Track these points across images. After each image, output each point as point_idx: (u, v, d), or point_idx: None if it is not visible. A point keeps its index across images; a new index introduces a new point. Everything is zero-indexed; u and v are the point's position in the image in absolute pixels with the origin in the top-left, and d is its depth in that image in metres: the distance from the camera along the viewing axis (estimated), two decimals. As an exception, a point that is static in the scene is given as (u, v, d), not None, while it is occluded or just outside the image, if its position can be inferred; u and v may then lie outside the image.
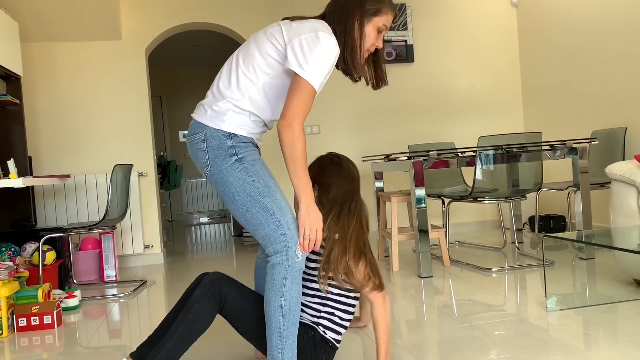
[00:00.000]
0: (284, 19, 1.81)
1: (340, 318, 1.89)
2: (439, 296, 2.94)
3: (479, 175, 3.48)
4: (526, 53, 5.34)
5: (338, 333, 1.89)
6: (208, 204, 9.33)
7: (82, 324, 2.92)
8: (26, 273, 3.24)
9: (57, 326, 2.87)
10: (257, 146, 1.83)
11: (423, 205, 3.40)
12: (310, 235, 1.69)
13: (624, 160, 3.99)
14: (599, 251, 3.63)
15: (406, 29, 5.14)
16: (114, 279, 4.10)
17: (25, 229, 3.82)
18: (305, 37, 1.67)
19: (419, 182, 3.40)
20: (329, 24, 1.77)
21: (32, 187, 4.27)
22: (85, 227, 3.54)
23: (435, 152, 3.44)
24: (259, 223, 1.69)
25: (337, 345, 1.90)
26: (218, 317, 1.84)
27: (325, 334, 1.86)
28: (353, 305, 1.91)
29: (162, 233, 4.96)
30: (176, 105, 9.20)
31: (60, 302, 3.15)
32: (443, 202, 4.15)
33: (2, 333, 2.74)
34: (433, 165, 3.49)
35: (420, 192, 3.40)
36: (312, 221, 1.68)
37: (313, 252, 1.88)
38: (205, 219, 9.05)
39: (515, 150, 3.50)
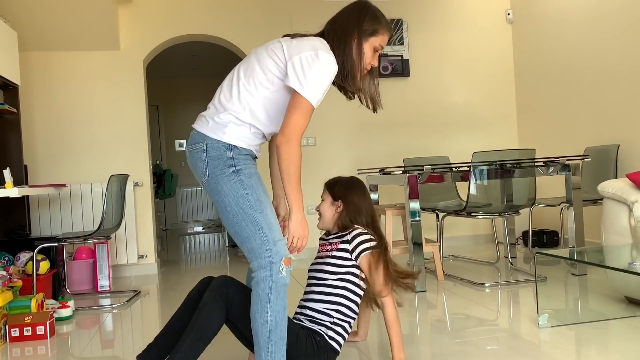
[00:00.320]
0: (284, 35, 1.86)
1: (349, 324, 2.05)
2: (432, 310, 2.95)
3: (473, 190, 3.51)
4: (521, 69, 5.40)
5: (343, 338, 2.02)
6: (203, 213, 9.32)
7: (75, 335, 2.91)
8: (19, 283, 3.23)
9: (50, 337, 2.86)
10: (255, 157, 1.87)
11: (417, 218, 3.43)
12: (297, 243, 1.78)
13: (616, 177, 4.04)
14: (591, 267, 3.65)
15: (402, 43, 5.19)
16: (108, 289, 4.09)
17: (20, 238, 3.81)
18: (305, 55, 1.72)
19: (413, 196, 3.42)
20: (328, 42, 1.82)
21: (27, 196, 4.27)
22: (79, 237, 3.54)
23: (429, 166, 3.47)
24: (246, 236, 1.72)
25: (339, 349, 2.01)
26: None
27: (332, 339, 1.98)
28: (357, 313, 2.09)
29: (156, 243, 4.96)
30: (173, 114, 9.22)
31: (54, 312, 3.14)
32: (437, 216, 4.18)
33: (-6, 343, 2.73)
34: (427, 180, 3.52)
35: (415, 205, 3.42)
36: (302, 231, 1.77)
37: (331, 257, 2.06)
38: (199, 229, 9.04)
39: (508, 166, 3.53)
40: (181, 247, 6.73)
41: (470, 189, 3.50)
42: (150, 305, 3.53)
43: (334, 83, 1.88)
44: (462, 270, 4.01)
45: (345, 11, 1.89)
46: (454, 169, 3.64)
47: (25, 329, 2.81)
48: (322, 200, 2.22)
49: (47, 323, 2.84)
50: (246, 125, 1.78)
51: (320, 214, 2.22)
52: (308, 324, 2.01)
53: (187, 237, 7.93)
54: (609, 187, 2.86)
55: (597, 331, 2.41)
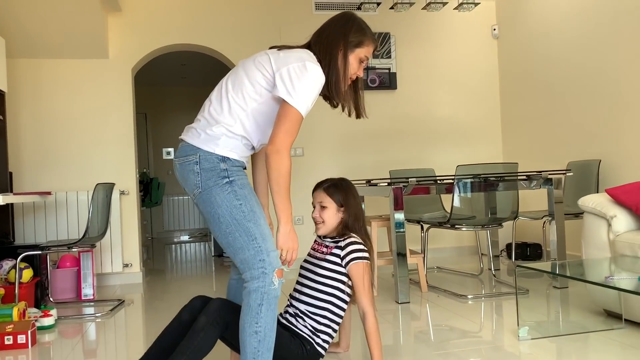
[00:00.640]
0: (271, 47, 1.89)
1: (333, 330, 2.13)
2: (415, 322, 2.97)
3: (456, 203, 3.56)
4: (506, 84, 5.48)
5: (328, 343, 2.12)
6: (189, 222, 9.29)
7: (57, 344, 2.89)
8: (2, 291, 3.21)
9: (32, 346, 2.84)
10: (245, 168, 1.89)
11: (402, 230, 3.46)
12: (287, 256, 1.78)
13: (597, 191, 4.11)
14: (573, 281, 3.70)
15: (390, 57, 5.25)
16: (92, 297, 4.06)
17: (3, 246, 3.79)
18: (293, 66, 1.75)
19: (398, 207, 3.46)
20: (314, 53, 1.85)
21: (12, 203, 4.24)
22: (64, 245, 3.52)
23: (414, 179, 3.51)
24: (239, 247, 1.73)
25: (324, 353, 2.11)
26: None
27: (319, 345, 2.06)
28: (342, 318, 2.16)
29: (141, 252, 4.94)
30: (161, 122, 9.20)
31: (36, 321, 3.12)
32: (422, 228, 4.22)
33: (-25, 352, 2.71)
34: (412, 192, 3.55)
35: (400, 217, 3.45)
36: (291, 243, 1.77)
37: (324, 260, 2.11)
38: (186, 238, 9.00)
39: (492, 179, 3.58)
40: (167, 256, 6.70)
41: (454, 201, 3.55)
42: (134, 314, 3.52)
43: (320, 93, 1.91)
44: (446, 281, 4.04)
45: (331, 23, 1.92)
46: (439, 182, 3.68)
47: (6, 337, 2.79)
48: (324, 208, 2.17)
49: (29, 332, 2.82)
50: (238, 137, 1.81)
51: (322, 222, 2.18)
52: (298, 326, 2.08)
53: (173, 246, 7.89)
54: (589, 201, 2.92)
55: (576, 344, 2.44)
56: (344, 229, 2.19)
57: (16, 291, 3.28)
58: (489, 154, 5.52)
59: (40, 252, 3.49)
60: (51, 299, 3.97)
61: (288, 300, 2.21)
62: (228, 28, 4.98)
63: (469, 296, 3.49)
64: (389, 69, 5.25)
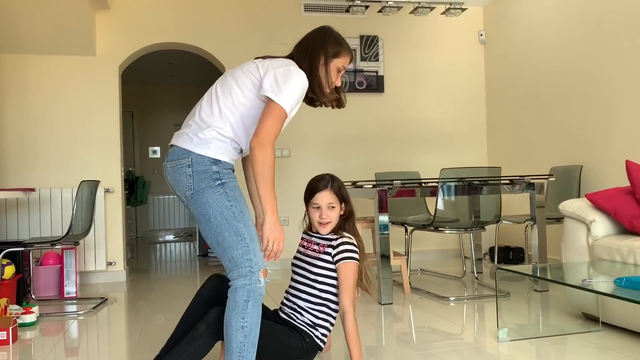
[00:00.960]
0: (256, 58, 2.04)
1: (330, 324, 2.19)
2: (398, 323, 3.00)
3: (440, 206, 3.60)
4: (492, 89, 5.55)
5: (326, 335, 2.18)
6: (174, 221, 9.25)
7: (38, 341, 2.88)
8: (-17, 287, 3.18)
9: (12, 342, 2.82)
10: (233, 170, 1.97)
11: (386, 232, 3.49)
12: (273, 247, 1.84)
13: (579, 196, 4.17)
14: (553, 284, 3.76)
15: (377, 60, 5.29)
16: (75, 295, 4.04)
17: (-15, 242, 3.75)
18: (279, 70, 1.89)
19: (383, 210, 3.49)
20: (297, 63, 1.99)
21: (-5, 199, 4.21)
22: (47, 242, 3.50)
23: (399, 181, 3.54)
24: (228, 246, 1.80)
25: (322, 347, 2.18)
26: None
27: (318, 338, 2.13)
28: (336, 313, 2.21)
29: (125, 250, 4.92)
30: (147, 120, 9.16)
31: (17, 318, 3.10)
32: (406, 230, 4.25)
33: (-46, 348, 2.69)
34: (397, 194, 3.59)
35: (384, 219, 3.49)
36: (277, 234, 1.83)
37: (317, 259, 2.15)
38: (171, 237, 8.97)
39: (475, 183, 3.63)
40: (151, 255, 6.68)
41: (437, 204, 3.59)
42: (117, 313, 3.51)
43: (304, 100, 2.04)
44: (429, 284, 4.08)
45: (310, 36, 2.07)
46: (423, 185, 3.72)
47: (-13, 334, 2.77)
48: (332, 208, 2.19)
49: (10, 329, 2.80)
50: (228, 140, 1.90)
51: (329, 222, 2.19)
52: (296, 322, 2.14)
53: (158, 245, 7.86)
54: (569, 206, 2.97)
55: (554, 345, 2.49)
56: (339, 227, 2.23)
57: (-3, 288, 3.25)
58: (474, 158, 5.57)
59: (23, 248, 3.47)
60: (33, 297, 3.95)
61: (285, 296, 2.26)
62: (217, 28, 4.99)
63: (451, 298, 3.53)
64: (377, 72, 5.29)
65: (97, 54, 4.68)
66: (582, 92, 4.32)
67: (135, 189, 8.16)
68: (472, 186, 3.63)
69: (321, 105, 2.11)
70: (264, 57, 2.00)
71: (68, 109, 4.61)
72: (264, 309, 2.15)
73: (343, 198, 2.24)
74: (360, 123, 5.29)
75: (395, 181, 3.54)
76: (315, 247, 2.23)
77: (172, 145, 1.97)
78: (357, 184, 3.82)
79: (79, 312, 3.51)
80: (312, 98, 2.07)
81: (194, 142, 1.87)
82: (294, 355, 2.08)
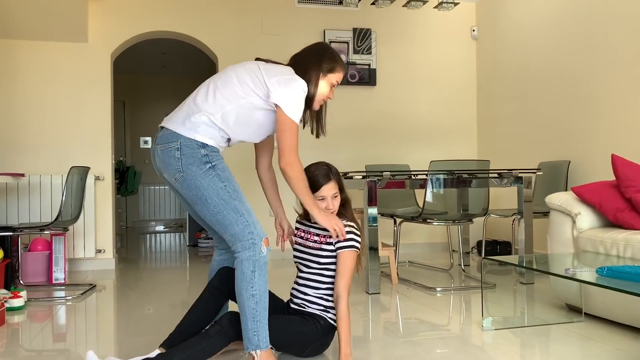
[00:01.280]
0: (257, 59, 2.14)
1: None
2: (385, 313, 3.03)
3: (429, 199, 3.63)
4: (483, 84, 5.58)
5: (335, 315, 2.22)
6: (165, 212, 9.24)
7: (25, 326, 2.88)
8: (-29, 271, 3.18)
9: (0, 326, 2.82)
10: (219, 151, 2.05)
11: (375, 224, 3.52)
12: (338, 231, 2.08)
13: (565, 191, 4.22)
14: (538, 277, 3.81)
15: (370, 53, 5.30)
16: (63, 281, 4.04)
17: (-27, 227, 3.74)
18: (285, 77, 2.00)
19: (372, 203, 3.51)
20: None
21: (-16, 184, 4.19)
22: (36, 228, 3.50)
23: (388, 172, 3.57)
24: (229, 223, 1.92)
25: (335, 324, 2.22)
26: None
27: (331, 319, 2.20)
28: None
29: (115, 238, 4.92)
30: (139, 111, 9.13)
31: (5, 302, 3.10)
32: (395, 222, 4.28)
33: (-59, 330, 2.68)
34: (386, 186, 3.62)
35: (373, 212, 3.51)
36: (334, 221, 2.08)
37: (320, 249, 2.20)
38: (161, 228, 8.96)
39: (464, 176, 3.66)
40: (141, 245, 6.68)
41: (426, 196, 3.62)
42: (105, 299, 3.51)
43: None
44: (417, 275, 4.12)
45: (308, 50, 2.18)
46: (412, 177, 3.75)
47: (-26, 317, 2.77)
48: (335, 197, 2.22)
49: (-2, 312, 2.81)
50: (216, 127, 1.98)
51: (333, 211, 2.21)
52: (309, 309, 2.21)
53: (148, 235, 7.85)
54: (555, 199, 3.01)
55: (537, 335, 2.53)
56: (338, 214, 2.25)
57: (-15, 272, 3.25)
58: (464, 152, 5.61)
59: (11, 233, 3.46)
60: (21, 282, 3.94)
61: (293, 287, 2.30)
62: (210, 18, 4.98)
63: (438, 289, 3.57)
64: (369, 65, 5.31)
65: (89, 41, 4.66)
66: (571, 89, 4.36)
67: (125, 178, 8.15)
68: (460, 179, 3.66)
69: (303, 125, 2.22)
70: (266, 60, 2.11)
71: (59, 96, 4.59)
72: (277, 301, 2.29)
73: (341, 187, 2.28)
74: (352, 116, 5.31)
75: (384, 172, 3.56)
76: (316, 237, 2.26)
77: (162, 128, 2.02)
78: (348, 175, 3.85)
79: (67, 298, 3.52)
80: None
81: (185, 125, 1.96)
82: (312, 341, 2.15)
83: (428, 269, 4.40)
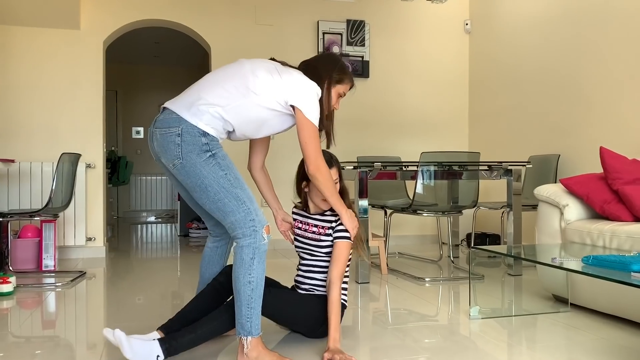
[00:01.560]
0: (271, 59, 2.16)
1: (345, 283, 2.33)
2: (374, 302, 3.06)
3: (419, 190, 3.65)
4: (475, 78, 5.61)
5: (345, 295, 2.34)
6: (156, 203, 9.22)
7: (14, 311, 2.88)
8: (-40, 256, 3.17)
9: (-11, 311, 2.82)
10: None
11: (365, 216, 3.53)
12: (353, 233, 2.21)
13: (555, 185, 4.25)
14: (526, 268, 3.85)
15: (364, 45, 5.31)
16: (53, 269, 4.03)
17: (-37, 213, 3.72)
18: (302, 81, 2.04)
19: (363, 195, 3.53)
20: None
21: (-27, 170, 4.17)
22: (26, 214, 3.49)
23: (379, 163, 3.58)
24: (230, 211, 1.92)
25: (346, 304, 2.36)
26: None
27: (341, 300, 2.24)
28: (348, 275, 2.36)
29: (105, 227, 4.91)
30: (132, 101, 9.09)
31: (-6, 287, 3.10)
32: (385, 213, 4.31)
33: None
34: (377, 177, 3.63)
35: (364, 203, 3.53)
36: (355, 223, 2.21)
37: (320, 240, 2.27)
38: (152, 218, 8.94)
39: (454, 167, 3.68)
40: (132, 235, 6.67)
41: (417, 187, 3.64)
42: (95, 287, 3.51)
43: None
44: (406, 266, 4.14)
45: (320, 58, 2.25)
46: (404, 168, 3.77)
47: (-37, 301, 2.76)
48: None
49: (-13, 297, 2.80)
50: (222, 119, 1.97)
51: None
52: (318, 292, 2.29)
53: (140, 226, 7.84)
54: (544, 191, 3.04)
55: (524, 324, 2.56)
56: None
57: (-26, 257, 3.24)
58: (455, 145, 5.64)
59: (1, 219, 3.45)
60: (10, 269, 3.93)
61: (298, 274, 2.36)
62: (204, 7, 4.96)
63: (427, 279, 3.59)
64: (362, 57, 5.31)
65: (82, 28, 4.63)
66: (561, 85, 4.39)
67: (117, 168, 8.12)
68: (450, 171, 3.69)
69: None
70: (282, 63, 2.13)
71: (51, 83, 4.57)
72: (284, 289, 2.34)
73: (341, 174, 2.32)
74: (345, 107, 5.32)
75: (375, 163, 3.58)
76: (314, 228, 2.31)
77: (164, 109, 2.00)
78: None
79: (57, 285, 3.51)
80: None
81: (190, 111, 1.94)
82: (325, 317, 2.19)
83: (417, 260, 4.43)
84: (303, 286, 2.33)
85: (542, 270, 2.97)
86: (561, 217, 2.93)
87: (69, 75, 4.60)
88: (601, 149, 2.87)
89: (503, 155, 5.13)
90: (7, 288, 3.18)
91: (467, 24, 5.65)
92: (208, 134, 1.93)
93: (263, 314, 2.08)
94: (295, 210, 2.43)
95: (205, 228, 5.33)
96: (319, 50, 5.20)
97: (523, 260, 2.65)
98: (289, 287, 2.45)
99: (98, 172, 4.67)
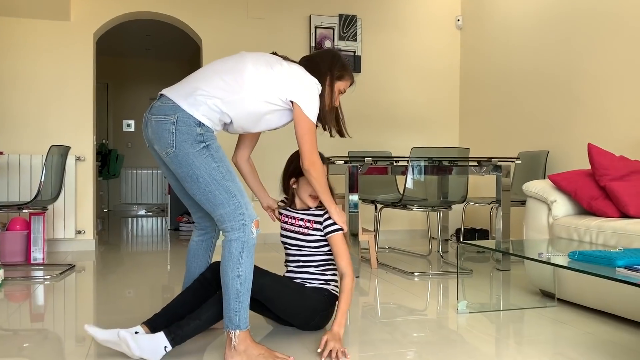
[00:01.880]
0: (273, 53, 2.15)
1: (335, 275, 2.35)
2: (363, 296, 3.07)
3: (409, 185, 3.66)
4: (466, 74, 5.63)
5: (337, 287, 2.33)
6: (147, 196, 9.19)
7: (2, 304, 2.86)
8: (-53, 248, 3.15)
9: (-24, 303, 2.81)
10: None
11: (356, 210, 3.54)
12: (344, 226, 2.24)
13: (544, 181, 4.29)
14: (514, 264, 3.88)
15: (356, 40, 5.31)
16: (41, 261, 4.01)
17: (-50, 205, 3.69)
18: (302, 77, 2.06)
19: (353, 190, 3.54)
20: None
21: (-39, 162, 4.13)
22: (14, 206, 3.47)
23: (370, 158, 3.59)
24: (220, 203, 1.91)
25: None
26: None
27: (333, 290, 2.31)
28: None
29: (95, 220, 4.89)
30: (123, 94, 9.04)
31: (-18, 280, 3.08)
32: (376, 208, 4.32)
33: None
34: (368, 171, 3.64)
35: (354, 198, 3.54)
36: (344, 218, 2.25)
37: (308, 234, 2.30)
38: (142, 212, 8.91)
39: (444, 163, 3.70)
40: (122, 228, 6.64)
41: (407, 182, 3.65)
42: (85, 280, 3.50)
43: None
44: (396, 260, 4.17)
45: (320, 55, 2.24)
46: (394, 163, 3.78)
47: (-50, 294, 2.75)
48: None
49: (-26, 289, 2.79)
50: (219, 111, 1.96)
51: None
52: (310, 284, 2.30)
53: (130, 219, 7.81)
54: (532, 187, 3.06)
55: (511, 318, 2.59)
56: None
57: (-38, 250, 3.22)
58: (445, 141, 5.66)
59: (-11, 212, 3.42)
60: (-1, 262, 3.91)
61: (289, 270, 2.38)
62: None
63: (416, 274, 3.62)
64: (354, 52, 5.31)
65: (72, 20, 4.60)
66: (551, 82, 4.42)
67: (108, 161, 8.08)
68: (440, 166, 3.71)
69: (317, 125, 2.20)
70: (284, 57, 2.12)
71: (40, 75, 4.53)
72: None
73: (327, 172, 2.34)
74: (336, 102, 5.32)
75: (366, 158, 3.59)
76: (301, 222, 2.33)
77: (161, 95, 1.99)
78: (330, 160, 3.86)
79: (45, 278, 3.50)
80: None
81: (187, 100, 1.92)
82: (321, 308, 2.24)
83: (407, 255, 4.45)
84: (296, 280, 2.34)
85: (530, 265, 2.99)
86: (549, 212, 2.95)
87: (58, 67, 4.57)
88: (589, 145, 2.90)
89: (493, 151, 5.16)
90: (-5, 281, 3.16)
91: (458, 20, 5.66)
92: (203, 124, 1.92)
93: (259, 297, 2.09)
94: (280, 204, 2.44)
95: (196, 222, 5.31)
96: (311, 45, 5.20)
97: (511, 255, 2.68)
98: None
99: (88, 165, 4.64)
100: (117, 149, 8.50)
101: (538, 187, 3.02)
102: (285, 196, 2.42)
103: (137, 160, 9.07)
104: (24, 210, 3.50)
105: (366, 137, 5.41)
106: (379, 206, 4.21)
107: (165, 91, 1.99)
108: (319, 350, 2.01)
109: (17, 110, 4.48)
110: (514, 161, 3.84)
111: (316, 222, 2.30)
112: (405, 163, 3.72)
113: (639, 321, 2.40)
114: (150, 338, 1.92)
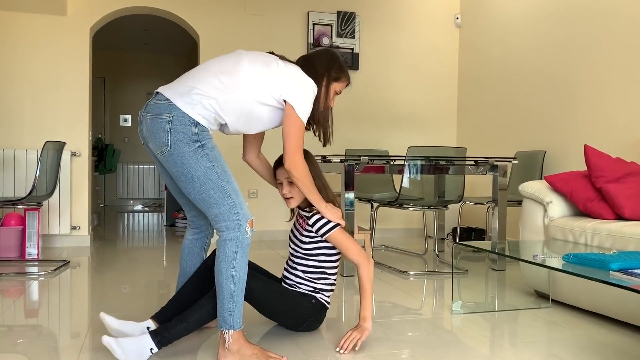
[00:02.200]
0: (269, 52, 2.13)
1: (331, 284, 2.31)
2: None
3: (406, 184, 3.66)
4: (464, 73, 5.62)
5: (329, 295, 2.31)
6: (143, 191, 9.17)
7: (-4, 299, 2.86)
8: (-59, 244, 3.13)
9: (-30, 299, 2.80)
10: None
11: (352, 209, 3.54)
12: (340, 222, 2.17)
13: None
14: (510, 264, 3.88)
15: (354, 37, 5.29)
16: (36, 257, 4.00)
17: (-56, 199, 3.68)
18: (299, 77, 2.04)
19: (349, 184, 3.53)
20: None
21: (-44, 156, 4.11)
22: (9, 202, 3.45)
23: (366, 157, 3.59)
24: (214, 202, 1.90)
25: (329, 305, 2.32)
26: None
27: (322, 298, 2.28)
28: (335, 274, 2.33)
29: (91, 215, 4.88)
30: (119, 88, 9.00)
31: (-24, 275, 3.07)
32: (372, 206, 4.32)
33: None
34: (364, 170, 3.64)
35: (350, 196, 3.53)
36: (338, 215, 2.17)
37: (303, 235, 2.25)
38: (139, 207, 8.89)
39: (441, 162, 3.70)
40: (118, 223, 6.63)
41: (403, 181, 3.65)
42: (79, 276, 3.49)
43: None
44: (392, 259, 4.17)
45: (318, 55, 2.20)
46: (391, 162, 3.77)
47: (-57, 290, 2.74)
48: (291, 183, 2.21)
49: (-32, 285, 2.78)
50: (214, 112, 1.95)
51: (291, 197, 2.24)
52: (300, 289, 2.28)
53: (126, 214, 7.80)
54: (528, 187, 3.06)
55: (505, 319, 2.59)
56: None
57: (-44, 245, 3.20)
58: (443, 139, 5.66)
59: (-17, 207, 3.41)
60: (-7, 257, 3.90)
61: (285, 267, 2.36)
62: (192, -5, 4.91)
63: (411, 273, 3.62)
64: (352, 49, 5.30)
65: (68, 14, 4.57)
66: (549, 83, 4.42)
67: (104, 156, 8.06)
68: (437, 165, 3.70)
69: (309, 128, 2.19)
70: (280, 57, 2.10)
71: (35, 69, 4.50)
72: (272, 278, 2.35)
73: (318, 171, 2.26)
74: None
75: (362, 157, 3.58)
76: (301, 220, 2.32)
77: (157, 93, 1.98)
78: (326, 158, 3.86)
79: (40, 273, 3.49)
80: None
81: (183, 99, 1.91)
82: (308, 315, 2.23)
83: (403, 254, 4.45)
84: (288, 281, 2.32)
85: (525, 266, 3.00)
86: (545, 213, 2.96)
87: (54, 62, 4.54)
88: (586, 147, 2.90)
89: (490, 150, 5.16)
90: (-11, 276, 3.15)
91: (457, 18, 5.65)
92: (199, 123, 1.90)
93: (249, 301, 2.09)
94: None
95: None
96: (309, 41, 5.18)
97: (505, 257, 2.68)
98: (279, 277, 2.44)
99: (84, 160, 4.63)
100: (113, 144, 8.48)
101: (534, 188, 3.02)
102: None
103: (133, 155, 9.04)
104: (18, 206, 3.49)
105: (363, 135, 5.41)
106: (375, 205, 4.20)
107: (161, 89, 1.98)
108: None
109: (12, 104, 4.45)
110: (511, 161, 3.84)
111: (307, 224, 2.25)
112: (401, 162, 3.71)
113: (632, 323, 2.40)
114: (135, 341, 1.90)
